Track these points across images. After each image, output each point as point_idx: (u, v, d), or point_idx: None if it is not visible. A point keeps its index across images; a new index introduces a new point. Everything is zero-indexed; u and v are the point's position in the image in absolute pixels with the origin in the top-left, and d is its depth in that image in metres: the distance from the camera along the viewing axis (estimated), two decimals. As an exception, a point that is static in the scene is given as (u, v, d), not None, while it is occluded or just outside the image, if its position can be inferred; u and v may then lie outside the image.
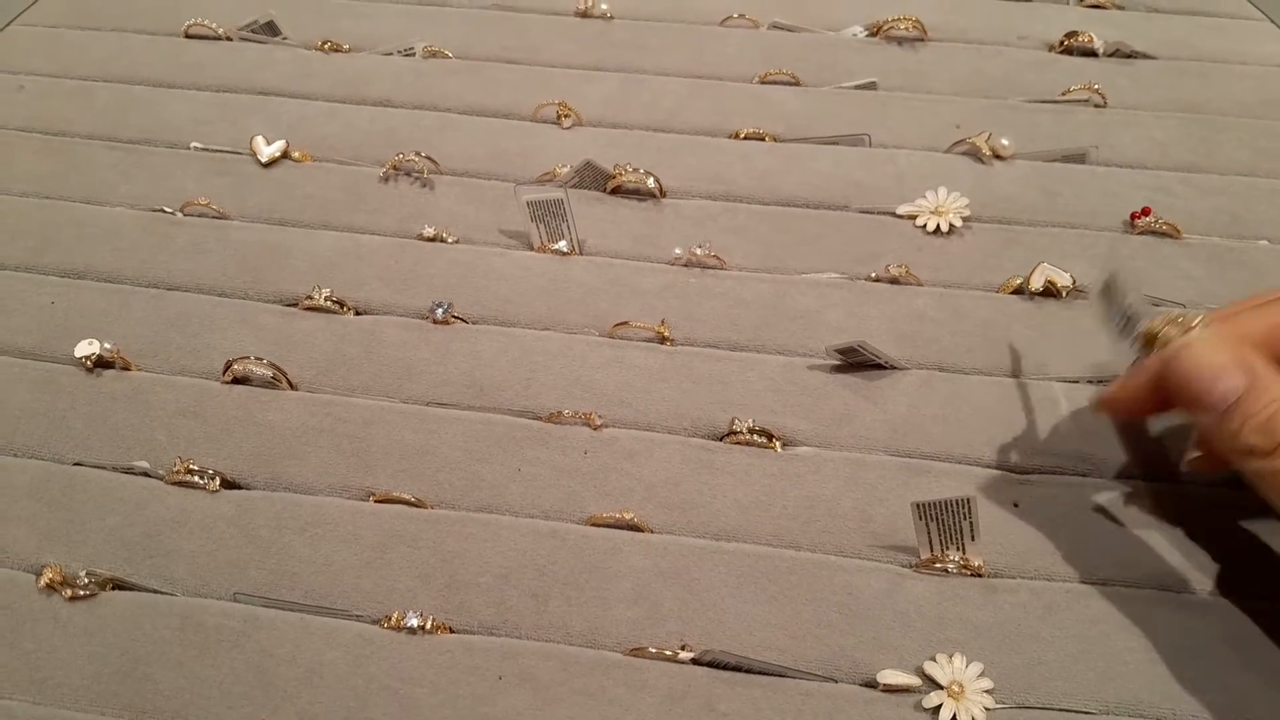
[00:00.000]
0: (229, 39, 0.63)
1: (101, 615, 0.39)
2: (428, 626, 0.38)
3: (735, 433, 0.43)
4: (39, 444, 0.44)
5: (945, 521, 0.39)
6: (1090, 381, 0.45)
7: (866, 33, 0.62)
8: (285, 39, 0.63)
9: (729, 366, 0.46)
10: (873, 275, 0.49)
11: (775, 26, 0.63)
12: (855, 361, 0.45)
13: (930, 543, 0.40)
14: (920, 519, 0.39)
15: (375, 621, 0.39)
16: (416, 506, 0.42)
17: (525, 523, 0.41)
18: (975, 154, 0.55)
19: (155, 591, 0.40)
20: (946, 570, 0.39)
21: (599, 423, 0.44)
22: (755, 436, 0.43)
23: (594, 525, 0.41)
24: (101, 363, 0.46)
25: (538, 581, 0.39)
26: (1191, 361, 0.34)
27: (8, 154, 0.56)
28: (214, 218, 0.53)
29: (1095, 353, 0.45)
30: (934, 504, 0.38)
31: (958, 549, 0.39)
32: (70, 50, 0.62)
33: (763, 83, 0.60)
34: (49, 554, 0.41)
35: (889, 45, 0.62)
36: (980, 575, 0.39)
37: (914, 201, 0.52)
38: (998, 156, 0.55)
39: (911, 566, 0.40)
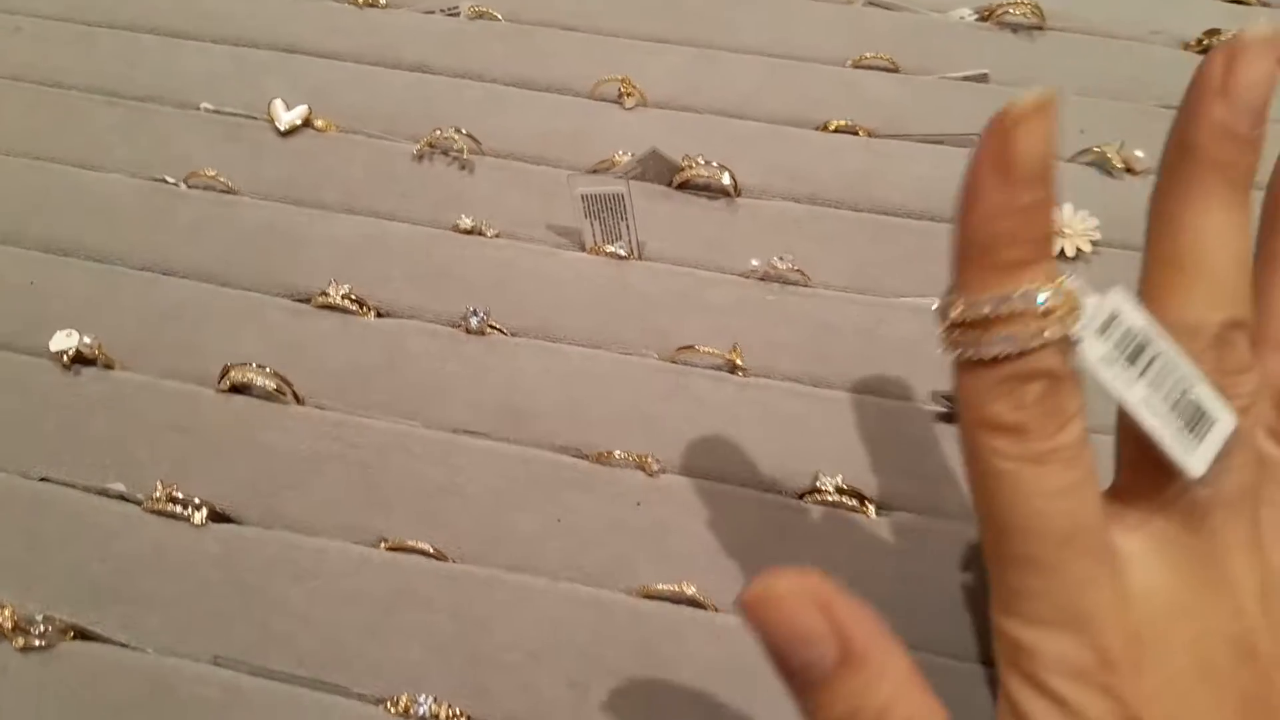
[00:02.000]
0: (252, -14, 0.55)
1: (57, 671, 0.33)
2: (442, 715, 0.32)
3: (819, 490, 0.36)
4: (3, 453, 0.38)
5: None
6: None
7: (976, 16, 0.54)
8: (316, -11, 0.56)
9: (813, 406, 0.39)
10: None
11: (871, 3, 0.55)
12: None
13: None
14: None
15: (379, 702, 0.32)
16: (435, 559, 0.35)
17: (564, 588, 0.34)
18: (1103, 165, 0.47)
19: (122, 645, 0.33)
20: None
21: (656, 467, 0.37)
22: (844, 498, 0.36)
23: (647, 597, 0.34)
24: (80, 359, 0.40)
25: (577, 665, 0.33)
26: (776, 613, 0.22)
27: (-4, 104, 0.49)
28: (221, 192, 0.46)
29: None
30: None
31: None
32: (76, -10, 0.55)
33: (856, 67, 0.52)
34: (2, 589, 0.34)
35: (1002, 32, 0.54)
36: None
37: (1034, 218, 0.44)
38: (1130, 170, 0.47)
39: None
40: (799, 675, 0.22)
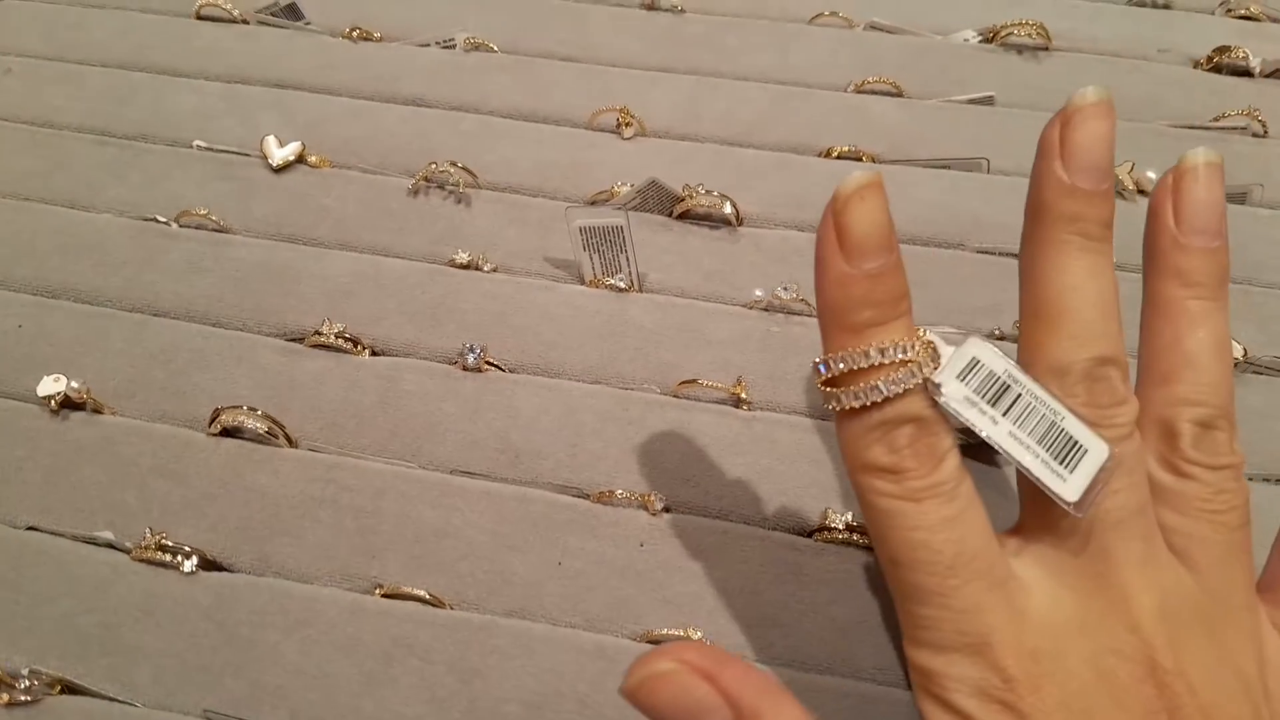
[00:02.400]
0: (245, 22, 0.55)
1: (42, 728, 0.31)
2: (439, 770, 0.30)
3: (829, 528, 0.35)
4: (-13, 501, 0.37)
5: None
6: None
7: (980, 38, 0.54)
8: (308, 24, 0.55)
9: (822, 441, 0.38)
10: (996, 332, 0.41)
11: (873, 27, 0.54)
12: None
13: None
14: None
15: (375, 757, 0.31)
16: (432, 605, 0.34)
17: (565, 634, 0.33)
18: (1115, 188, 0.46)
19: (111, 699, 0.32)
20: None
21: (659, 506, 0.36)
22: (854, 535, 0.35)
23: (651, 642, 0.33)
24: (68, 404, 0.39)
25: (578, 716, 0.31)
26: (663, 690, 0.23)
27: (-14, 146, 0.49)
28: (213, 230, 0.45)
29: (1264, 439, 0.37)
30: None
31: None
32: (68, 29, 0.54)
33: (859, 92, 0.51)
34: (-13, 643, 0.33)
35: (1007, 53, 0.53)
36: None
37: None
38: (1142, 192, 0.46)
39: None
40: None
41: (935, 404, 0.24)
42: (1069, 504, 0.24)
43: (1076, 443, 0.24)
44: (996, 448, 0.24)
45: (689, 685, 0.22)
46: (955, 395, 0.24)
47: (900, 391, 0.24)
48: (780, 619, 0.33)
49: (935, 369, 0.24)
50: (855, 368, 0.24)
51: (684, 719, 0.22)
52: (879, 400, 0.24)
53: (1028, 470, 0.24)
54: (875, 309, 0.24)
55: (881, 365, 0.24)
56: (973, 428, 0.24)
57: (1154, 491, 0.26)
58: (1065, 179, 0.25)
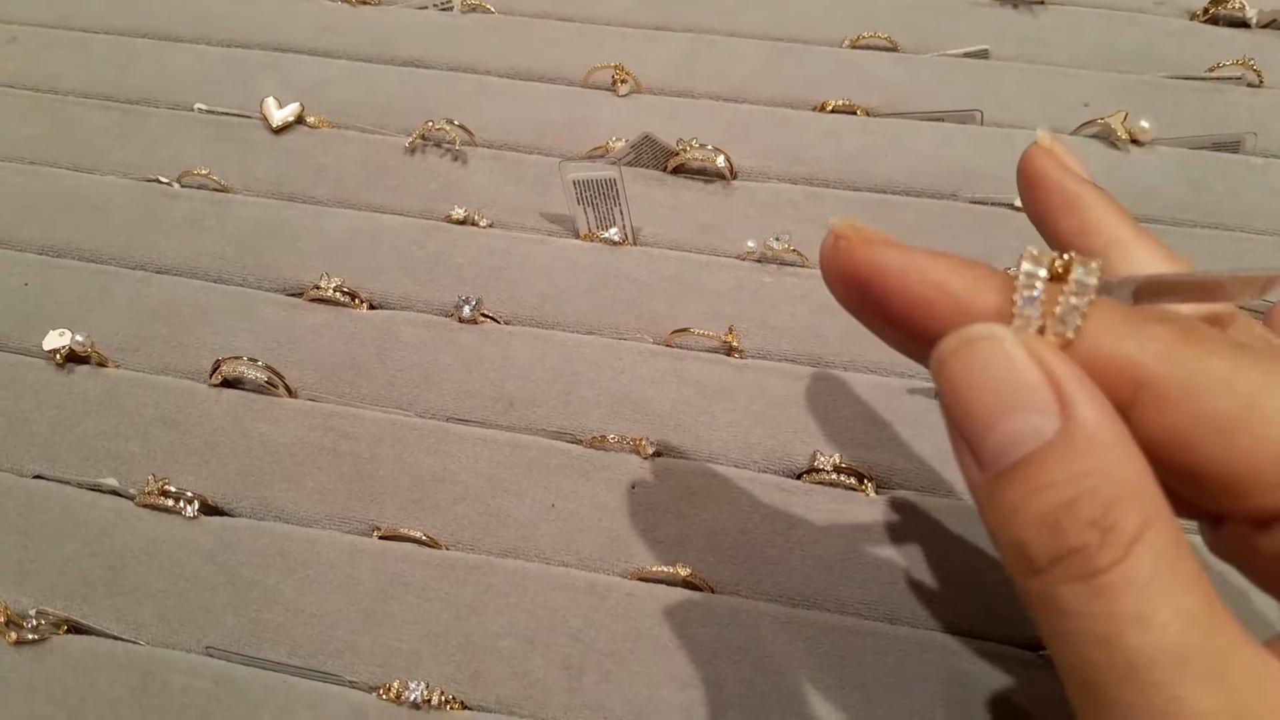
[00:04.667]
0: (246, -12, 0.55)
1: (50, 665, 0.32)
2: (434, 701, 0.31)
3: (817, 470, 0.36)
4: (-5, 451, 0.38)
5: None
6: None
7: (975, -7, 0.54)
8: (309, -11, 0.56)
9: (811, 387, 0.38)
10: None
11: (868, -16, 0.55)
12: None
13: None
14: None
15: (373, 689, 0.32)
16: (428, 546, 0.35)
17: (558, 573, 0.34)
18: (1108, 137, 0.46)
19: (116, 638, 0.33)
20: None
21: (650, 450, 0.37)
22: (842, 476, 0.35)
23: (641, 580, 0.33)
24: (73, 357, 0.40)
25: (571, 649, 0.32)
26: (980, 368, 0.18)
27: (-7, 112, 0.50)
28: (215, 190, 0.46)
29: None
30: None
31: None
32: (71, -2, 0.55)
33: (854, 47, 0.51)
34: (-4, 586, 0.34)
35: (1003, 8, 0.53)
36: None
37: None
38: (1135, 141, 0.46)
39: (1038, 649, 0.32)
40: (995, 455, 0.18)
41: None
42: None
43: None
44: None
45: (1014, 363, 0.18)
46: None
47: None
48: (768, 556, 0.34)
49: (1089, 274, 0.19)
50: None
51: (988, 403, 0.18)
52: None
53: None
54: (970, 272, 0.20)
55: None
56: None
57: None
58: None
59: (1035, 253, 0.19)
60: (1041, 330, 0.18)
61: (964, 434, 0.18)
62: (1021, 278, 0.19)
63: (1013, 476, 0.17)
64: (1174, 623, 0.16)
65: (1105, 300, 0.19)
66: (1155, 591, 0.16)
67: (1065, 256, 0.19)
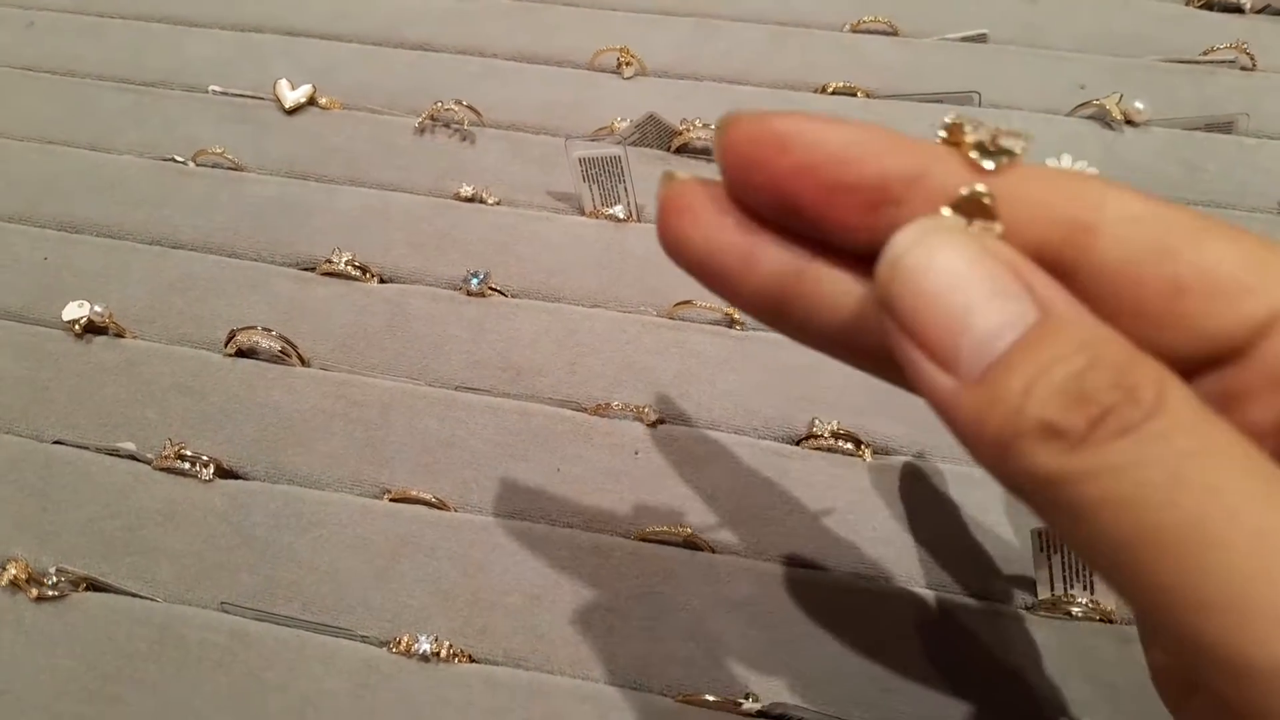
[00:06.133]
0: (259, -26, 0.57)
1: (70, 621, 0.33)
2: (443, 654, 0.32)
3: (815, 436, 0.37)
4: (17, 417, 0.39)
5: (1072, 555, 0.32)
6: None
7: (974, -21, 0.55)
8: (320, -24, 0.57)
9: (809, 356, 0.39)
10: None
11: (869, -30, 0.56)
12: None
13: (1052, 580, 0.32)
14: (1041, 550, 0.32)
15: (383, 644, 0.33)
16: (437, 508, 0.36)
17: (563, 533, 0.35)
18: (1103, 118, 0.47)
19: (133, 595, 0.34)
20: (1070, 614, 0.32)
21: (653, 417, 0.38)
22: (839, 441, 0.36)
23: (644, 540, 0.34)
24: (92, 328, 0.41)
25: (576, 605, 0.33)
26: (939, 267, 0.17)
27: (11, 94, 0.51)
28: (229, 169, 0.47)
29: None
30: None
31: (1085, 589, 0.32)
32: (88, -17, 0.56)
33: (855, 31, 0.52)
34: (17, 545, 0.35)
35: (1001, -7, 0.54)
36: (1111, 621, 0.32)
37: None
38: (1130, 122, 0.47)
39: (1029, 608, 0.32)
40: (973, 355, 0.17)
41: None
42: None
43: None
44: None
45: (974, 255, 0.17)
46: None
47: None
48: (767, 517, 0.35)
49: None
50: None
51: (957, 300, 0.17)
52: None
53: None
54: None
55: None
56: None
57: None
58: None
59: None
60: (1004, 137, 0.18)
61: (930, 341, 0.17)
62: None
63: (1009, 364, 0.16)
64: (1239, 449, 0.15)
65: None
66: (1208, 428, 0.15)
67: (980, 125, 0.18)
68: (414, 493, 0.36)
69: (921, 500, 0.35)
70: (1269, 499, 0.15)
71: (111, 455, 0.38)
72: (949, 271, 0.17)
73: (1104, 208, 0.18)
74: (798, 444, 0.37)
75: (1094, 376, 0.15)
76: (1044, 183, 0.18)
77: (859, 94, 0.49)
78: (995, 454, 0.16)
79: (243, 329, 0.40)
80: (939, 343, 0.17)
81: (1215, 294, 0.17)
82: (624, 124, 0.47)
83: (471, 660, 0.32)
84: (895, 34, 0.52)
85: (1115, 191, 0.18)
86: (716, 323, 0.41)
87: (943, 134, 0.18)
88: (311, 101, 0.49)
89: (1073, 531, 0.16)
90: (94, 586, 0.35)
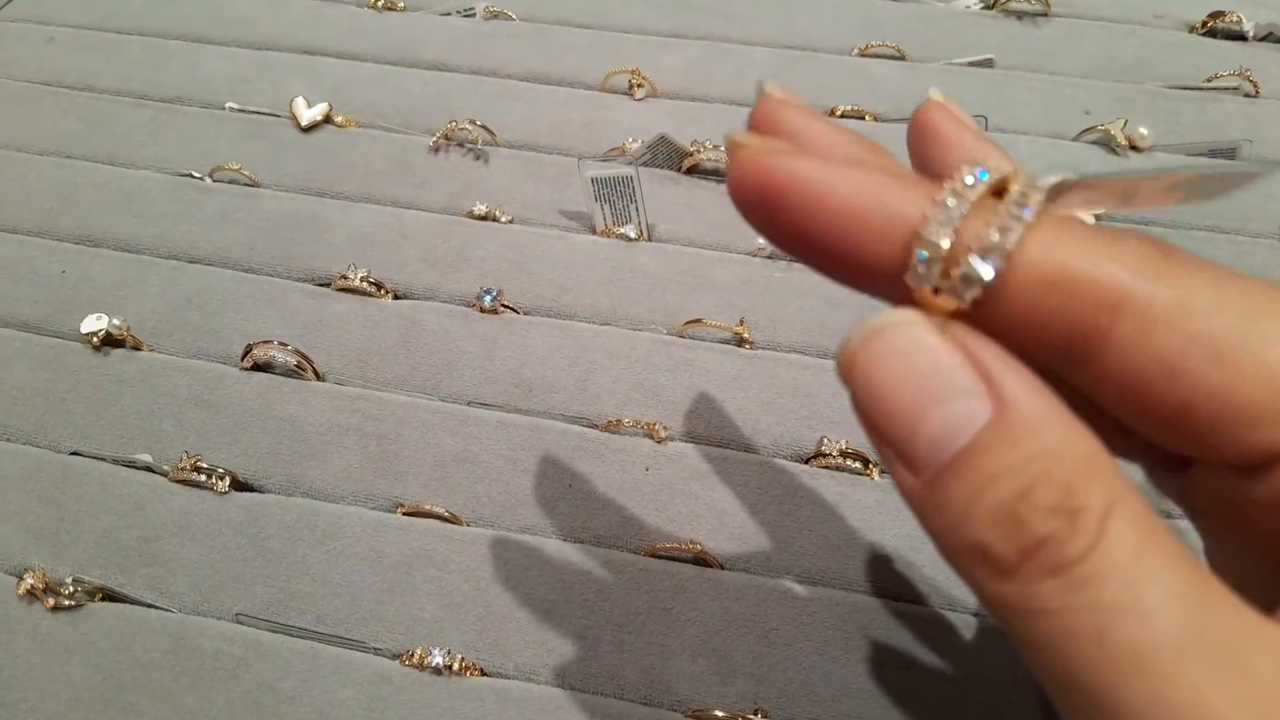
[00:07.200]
0: (276, -6, 0.57)
1: (86, 630, 0.34)
2: (455, 667, 0.32)
3: (824, 454, 0.37)
4: (34, 428, 0.39)
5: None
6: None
7: (982, 5, 0.55)
8: (336, -4, 0.58)
9: (819, 376, 0.40)
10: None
11: (877, -5, 0.56)
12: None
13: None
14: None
15: (396, 656, 0.33)
16: (450, 522, 0.36)
17: (574, 549, 0.35)
18: (1108, 143, 0.47)
19: (149, 605, 0.35)
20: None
21: (663, 435, 0.38)
22: (848, 460, 0.37)
23: (654, 556, 0.35)
24: (110, 340, 0.41)
25: (586, 620, 0.33)
26: (894, 358, 0.16)
27: (32, 109, 0.51)
28: (245, 185, 0.47)
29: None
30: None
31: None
32: (106, 1, 0.57)
33: (863, 56, 0.53)
34: (34, 555, 0.36)
35: (1008, 20, 0.55)
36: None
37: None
38: (1134, 148, 0.47)
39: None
40: (926, 455, 0.16)
41: None
42: None
43: None
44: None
45: (931, 349, 0.16)
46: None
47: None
48: (776, 535, 0.35)
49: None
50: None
51: (909, 397, 0.16)
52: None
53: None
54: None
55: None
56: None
57: None
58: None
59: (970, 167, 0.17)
60: (982, 250, 0.16)
61: (889, 437, 0.16)
62: (950, 188, 0.17)
63: (955, 472, 0.15)
64: (1171, 603, 0.14)
65: (1058, 214, 0.16)
66: (1143, 572, 0.14)
67: (1007, 169, 0.17)
68: (427, 507, 0.36)
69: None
70: (1207, 667, 0.14)
71: (128, 467, 0.38)
72: (902, 368, 0.16)
73: (1121, 306, 0.16)
74: (806, 462, 0.37)
75: (1035, 497, 0.15)
76: (1060, 267, 0.16)
77: (867, 117, 0.50)
78: (946, 557, 0.16)
79: (259, 343, 0.40)
80: (897, 438, 0.16)
81: (1230, 420, 0.16)
82: (635, 145, 0.47)
83: (483, 673, 0.33)
84: (903, 58, 0.53)
85: (1143, 282, 0.16)
86: (726, 341, 0.41)
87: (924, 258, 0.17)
88: (327, 119, 0.50)
89: (1007, 627, 0.16)
90: (110, 596, 0.35)
